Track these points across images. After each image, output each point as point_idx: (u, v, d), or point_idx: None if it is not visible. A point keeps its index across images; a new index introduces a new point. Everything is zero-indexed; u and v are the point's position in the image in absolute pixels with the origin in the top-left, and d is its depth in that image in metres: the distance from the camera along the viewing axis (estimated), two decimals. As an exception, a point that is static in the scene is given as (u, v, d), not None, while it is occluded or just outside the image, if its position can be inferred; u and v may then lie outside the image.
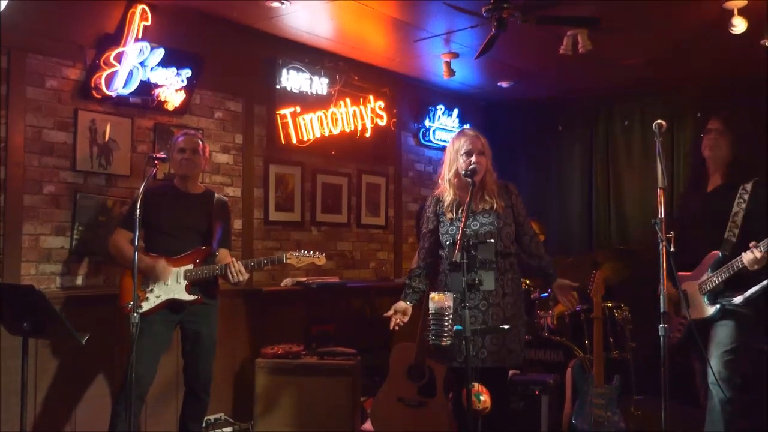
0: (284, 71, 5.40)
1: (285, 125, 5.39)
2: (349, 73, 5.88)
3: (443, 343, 2.93)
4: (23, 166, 4.06)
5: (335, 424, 4.52)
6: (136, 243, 3.25)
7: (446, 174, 3.57)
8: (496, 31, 4.48)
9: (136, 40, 4.33)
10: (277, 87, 5.37)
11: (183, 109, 4.75)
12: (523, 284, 5.18)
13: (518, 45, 5.33)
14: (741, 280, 3.44)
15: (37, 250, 4.13)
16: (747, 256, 3.35)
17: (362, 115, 5.95)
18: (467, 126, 6.39)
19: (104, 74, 4.26)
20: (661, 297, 2.85)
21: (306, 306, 5.46)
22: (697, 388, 3.82)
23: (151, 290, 3.78)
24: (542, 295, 5.40)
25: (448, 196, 3.56)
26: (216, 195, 4.13)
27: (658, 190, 2.95)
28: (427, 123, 6.78)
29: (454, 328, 2.94)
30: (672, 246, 2.86)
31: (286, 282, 5.36)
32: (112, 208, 4.40)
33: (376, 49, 5.75)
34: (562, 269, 5.52)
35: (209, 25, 4.90)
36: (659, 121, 3.02)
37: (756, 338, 3.99)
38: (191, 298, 3.83)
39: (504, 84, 6.69)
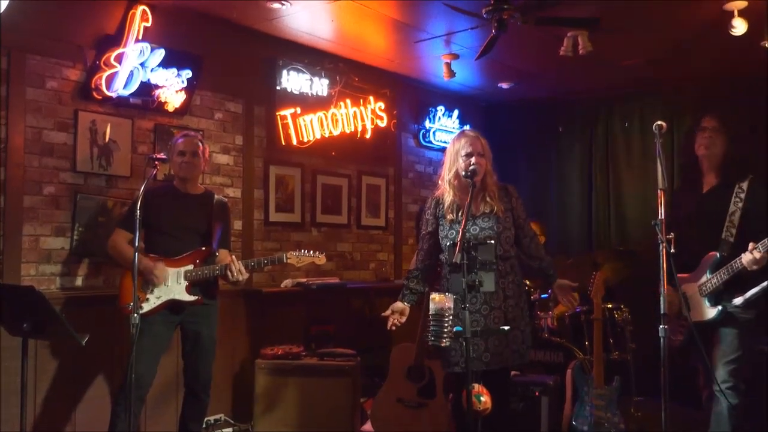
0: (284, 72, 5.40)
1: (285, 126, 5.39)
2: (350, 74, 5.88)
3: (443, 344, 2.93)
4: (23, 167, 4.06)
5: (335, 424, 4.52)
6: (137, 244, 3.25)
7: (446, 175, 3.56)
8: (497, 33, 4.48)
9: (137, 40, 4.34)
10: (278, 88, 5.38)
11: (183, 110, 4.75)
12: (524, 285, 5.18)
13: (518, 46, 5.34)
14: (741, 280, 3.41)
15: (37, 250, 4.13)
16: (746, 257, 3.31)
17: (362, 116, 5.95)
18: (467, 127, 6.40)
19: (104, 75, 4.26)
20: (661, 298, 2.85)
21: (306, 307, 5.46)
22: (700, 389, 3.81)
23: (151, 291, 3.78)
24: (542, 296, 5.40)
25: (448, 197, 3.54)
26: (216, 196, 4.14)
27: (659, 191, 2.95)
28: (427, 124, 6.79)
29: (454, 329, 2.94)
30: (672, 247, 2.86)
31: (286, 283, 5.36)
32: (112, 209, 4.40)
33: (377, 51, 5.75)
34: (562, 270, 5.51)
35: (209, 26, 4.91)
36: (659, 122, 3.02)
37: (756, 340, 3.96)
38: (191, 298, 3.83)
39: (504, 85, 6.70)
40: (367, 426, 4.56)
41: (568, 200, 7.11)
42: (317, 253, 4.03)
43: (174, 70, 4.57)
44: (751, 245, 3.30)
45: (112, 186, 4.45)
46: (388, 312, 3.54)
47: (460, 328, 2.93)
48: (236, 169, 5.20)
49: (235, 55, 5.15)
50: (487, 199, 3.50)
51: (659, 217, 2.91)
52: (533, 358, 5.09)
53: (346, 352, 4.77)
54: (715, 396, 3.49)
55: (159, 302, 3.78)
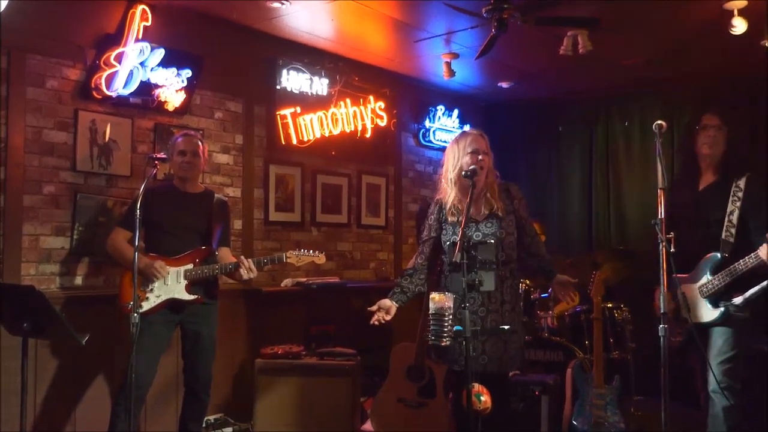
0: (284, 72, 5.40)
1: (285, 126, 5.39)
2: (350, 73, 5.88)
3: (442, 344, 2.93)
4: (23, 167, 4.06)
5: (335, 424, 4.51)
6: (136, 243, 3.25)
7: (449, 173, 3.49)
8: (497, 32, 4.48)
9: (137, 40, 4.34)
10: (278, 87, 5.38)
11: (183, 110, 4.75)
12: (523, 285, 5.18)
13: (518, 46, 5.34)
14: (743, 281, 3.38)
15: (37, 250, 4.13)
16: (765, 250, 3.23)
17: (362, 116, 5.95)
18: (467, 127, 6.40)
19: (104, 74, 4.26)
20: (661, 298, 2.84)
21: (306, 306, 5.46)
22: (698, 390, 3.78)
23: (151, 290, 3.78)
24: (542, 295, 5.40)
25: (450, 197, 3.49)
26: (215, 195, 4.14)
27: (658, 190, 2.94)
28: (427, 123, 6.79)
29: (454, 328, 2.93)
30: (672, 247, 2.85)
31: (286, 282, 5.37)
32: (112, 209, 4.40)
33: (377, 50, 5.75)
34: (562, 270, 5.53)
35: (209, 25, 4.91)
36: (659, 121, 2.99)
37: (755, 339, 3.93)
38: (191, 297, 3.83)
39: (504, 84, 6.70)
40: (367, 425, 4.56)
41: (568, 200, 7.12)
42: (317, 252, 4.04)
43: (174, 70, 4.57)
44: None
45: (112, 185, 4.45)
46: (374, 307, 3.46)
47: (460, 328, 2.93)
48: (236, 169, 5.20)
49: (235, 54, 5.15)
50: (491, 201, 3.45)
51: (659, 217, 2.89)
52: (533, 358, 5.09)
53: (346, 351, 4.77)
54: (711, 397, 3.46)
55: (159, 301, 3.78)
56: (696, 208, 3.62)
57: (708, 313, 3.50)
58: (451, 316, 2.92)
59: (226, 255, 4.05)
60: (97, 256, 4.32)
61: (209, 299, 3.96)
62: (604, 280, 4.60)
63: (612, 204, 6.82)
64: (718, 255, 3.48)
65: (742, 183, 3.51)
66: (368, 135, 6.01)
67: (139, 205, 3.25)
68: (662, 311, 2.84)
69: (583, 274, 4.73)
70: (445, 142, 6.88)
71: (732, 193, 3.51)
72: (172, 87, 4.60)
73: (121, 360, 4.12)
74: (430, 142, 6.83)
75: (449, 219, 3.48)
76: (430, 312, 2.94)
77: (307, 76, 5.57)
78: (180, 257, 3.85)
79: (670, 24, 4.90)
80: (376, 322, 3.45)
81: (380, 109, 6.10)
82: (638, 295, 3.84)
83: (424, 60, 5.94)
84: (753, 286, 3.36)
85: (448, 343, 2.95)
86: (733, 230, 3.47)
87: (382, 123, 6.12)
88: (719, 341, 3.45)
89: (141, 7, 4.35)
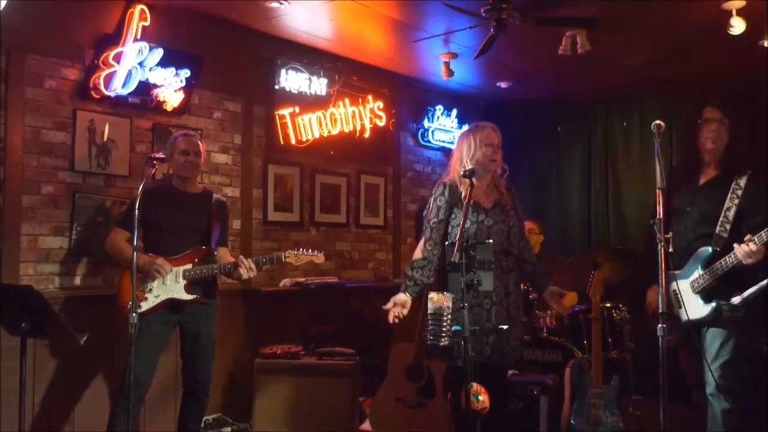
0: (283, 71, 5.40)
1: (284, 125, 5.39)
2: (348, 73, 5.88)
3: (441, 344, 2.93)
4: (22, 167, 4.06)
5: (334, 424, 4.51)
6: (135, 243, 3.25)
7: (466, 163, 3.45)
8: (495, 32, 4.48)
9: (135, 40, 4.34)
10: (276, 87, 5.38)
11: (182, 110, 4.75)
12: (522, 285, 5.17)
13: (517, 45, 5.34)
14: (735, 277, 3.29)
15: (36, 250, 4.13)
16: (741, 250, 3.17)
17: (361, 116, 5.95)
18: (466, 126, 6.39)
19: (103, 74, 4.26)
20: (660, 297, 2.84)
21: (305, 306, 5.46)
22: (689, 388, 3.71)
23: (150, 290, 3.78)
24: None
25: (466, 183, 3.36)
26: (214, 195, 4.13)
27: (657, 190, 2.93)
28: (425, 123, 6.79)
29: (453, 328, 2.94)
30: (671, 246, 2.84)
31: (285, 282, 5.36)
32: (110, 209, 4.40)
33: (375, 50, 5.75)
34: (562, 269, 5.54)
35: (208, 25, 4.90)
36: (657, 121, 2.99)
37: (753, 339, 3.87)
38: (190, 297, 3.83)
39: (503, 84, 6.70)
40: (366, 425, 4.56)
41: (568, 200, 7.13)
42: (316, 252, 4.03)
43: (172, 70, 4.57)
44: (747, 237, 3.17)
45: (111, 185, 4.45)
46: (389, 305, 3.43)
47: (458, 327, 2.93)
48: (235, 169, 5.20)
49: (234, 54, 5.14)
50: (497, 189, 3.54)
51: (658, 216, 2.89)
52: (532, 358, 5.09)
53: (345, 351, 4.77)
54: (710, 401, 3.39)
55: (158, 301, 3.78)
56: (694, 203, 3.53)
57: (700, 309, 3.39)
58: (449, 316, 2.93)
59: (224, 255, 4.05)
60: (95, 256, 4.32)
61: (208, 299, 3.96)
62: (603, 280, 4.59)
63: (611, 204, 6.83)
64: (710, 249, 3.39)
65: (742, 181, 3.42)
66: (367, 135, 6.01)
67: (137, 205, 3.25)
68: (661, 311, 2.83)
69: (583, 274, 4.74)
70: (443, 142, 6.90)
71: (732, 190, 3.42)
72: (170, 87, 4.60)
73: (120, 360, 4.12)
74: (429, 142, 6.83)
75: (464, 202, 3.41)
76: (428, 312, 2.95)
77: (306, 76, 5.56)
78: (179, 257, 3.85)
79: (669, 24, 4.90)
80: (395, 320, 3.41)
81: (379, 109, 6.10)
82: (637, 295, 3.81)
83: (423, 60, 5.94)
84: (753, 283, 3.25)
85: (446, 343, 2.96)
86: (728, 226, 3.38)
87: (381, 123, 6.12)
88: (716, 344, 3.36)
89: (139, 6, 4.35)
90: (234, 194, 5.16)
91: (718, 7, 4.47)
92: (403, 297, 3.45)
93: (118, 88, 4.30)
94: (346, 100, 5.82)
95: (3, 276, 3.95)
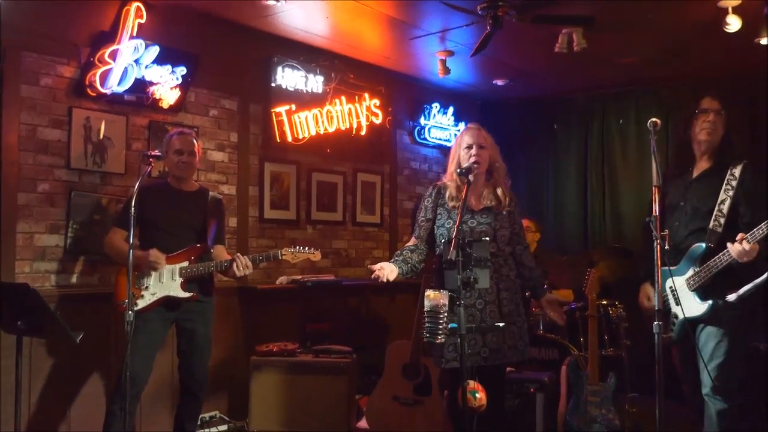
0: (279, 69, 5.39)
1: (280, 123, 5.39)
2: (345, 71, 5.88)
3: (438, 341, 2.94)
4: (17, 165, 4.05)
5: (330, 422, 4.52)
6: (131, 241, 3.24)
7: (450, 168, 3.59)
8: (492, 30, 4.49)
9: (131, 37, 4.33)
10: (273, 85, 5.37)
11: (178, 107, 4.75)
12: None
13: (513, 43, 5.34)
14: (731, 274, 3.23)
15: (32, 248, 4.12)
16: (735, 249, 3.10)
17: (357, 113, 5.94)
18: (462, 124, 6.41)
19: (99, 72, 4.25)
20: (655, 294, 2.84)
21: (301, 304, 5.46)
22: (679, 381, 3.65)
23: (147, 288, 3.77)
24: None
25: (451, 188, 3.55)
26: (210, 193, 4.13)
27: (653, 187, 2.92)
28: (422, 121, 6.79)
29: (449, 326, 2.94)
30: (666, 244, 2.83)
31: (282, 280, 5.36)
32: (106, 207, 4.39)
33: (372, 47, 5.74)
34: (558, 267, 5.55)
35: (204, 23, 4.90)
36: (654, 119, 2.97)
37: (750, 337, 3.78)
38: (187, 295, 3.83)
39: (499, 82, 6.70)
40: (363, 423, 4.56)
41: (564, 198, 7.13)
42: (313, 249, 4.04)
43: (168, 67, 4.57)
44: (740, 236, 3.09)
45: (107, 183, 4.44)
46: (377, 266, 3.38)
47: (455, 325, 2.93)
48: (231, 166, 5.19)
49: (230, 52, 5.14)
50: (494, 192, 3.53)
51: (654, 214, 2.88)
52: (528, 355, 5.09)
53: (342, 349, 4.77)
54: (706, 401, 3.34)
55: (154, 299, 3.77)
56: (687, 196, 3.46)
57: (696, 306, 3.34)
58: (446, 314, 2.93)
59: (221, 253, 4.05)
60: (92, 254, 4.31)
61: (205, 297, 3.96)
62: (599, 278, 4.60)
63: (607, 202, 6.83)
64: (703, 245, 3.32)
65: (737, 171, 3.33)
66: (363, 133, 6.01)
67: (133, 203, 3.25)
68: (656, 308, 2.84)
69: (579, 272, 4.75)
70: (440, 139, 6.90)
71: (726, 182, 3.33)
72: (166, 84, 4.59)
73: (117, 358, 4.13)
74: (425, 139, 6.82)
75: (449, 204, 3.53)
76: (425, 309, 2.95)
77: (303, 73, 5.56)
78: (175, 255, 3.84)
79: (665, 22, 4.90)
80: (376, 277, 3.34)
81: (375, 106, 6.09)
82: (633, 292, 3.80)
83: (420, 57, 5.94)
84: (749, 280, 3.18)
85: (443, 340, 2.96)
86: (722, 220, 3.30)
87: (378, 120, 6.12)
88: (711, 344, 3.31)
89: (135, 4, 4.34)
90: (230, 192, 5.16)
91: (714, 5, 4.47)
92: (392, 266, 3.42)
93: (114, 85, 4.30)
94: (343, 98, 5.81)
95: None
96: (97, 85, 4.24)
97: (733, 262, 3.18)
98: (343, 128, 5.81)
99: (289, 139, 5.42)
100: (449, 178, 3.59)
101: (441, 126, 6.90)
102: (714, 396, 3.29)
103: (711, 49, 5.37)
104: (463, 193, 3.25)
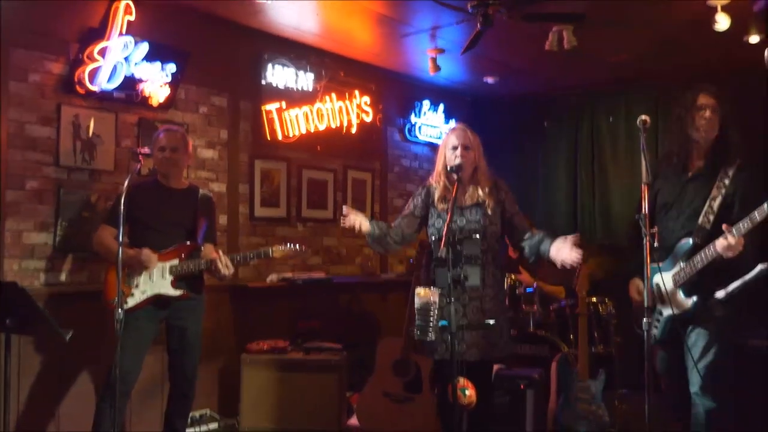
0: (270, 66, 5.38)
1: (270, 120, 5.38)
2: (335, 68, 5.87)
3: (428, 338, 2.94)
4: (5, 162, 4.02)
5: (321, 419, 4.52)
6: (121, 238, 3.23)
7: (437, 168, 3.65)
8: (482, 27, 4.49)
9: (120, 34, 4.31)
10: (263, 82, 5.36)
11: (168, 104, 4.73)
12: (509, 280, 5.19)
13: (504, 41, 5.35)
14: (718, 269, 3.18)
15: (20, 246, 4.10)
16: (720, 243, 3.06)
17: (348, 111, 5.94)
18: (453, 122, 6.41)
19: (88, 69, 4.22)
20: (645, 291, 2.85)
21: (292, 302, 5.45)
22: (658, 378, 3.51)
23: (137, 286, 3.76)
24: (527, 290, 5.41)
25: (439, 188, 3.61)
26: (201, 190, 4.11)
27: (642, 185, 2.92)
28: (412, 118, 6.79)
29: (440, 323, 2.94)
30: (656, 242, 2.83)
31: (272, 278, 5.35)
32: (95, 204, 4.37)
33: (362, 45, 5.74)
34: (548, 264, 5.55)
35: (194, 20, 4.88)
36: (643, 117, 2.96)
37: (734, 337, 3.72)
38: (177, 293, 3.82)
39: (490, 80, 6.71)
40: (354, 420, 4.56)
41: (554, 195, 7.15)
42: (303, 247, 4.04)
43: (158, 64, 4.55)
44: (724, 227, 3.04)
45: (96, 180, 4.42)
46: (351, 211, 3.62)
47: (445, 322, 2.94)
48: (221, 164, 5.18)
49: (220, 49, 5.12)
50: (478, 192, 3.55)
51: (643, 211, 2.89)
52: (518, 352, 5.10)
53: (333, 346, 4.77)
54: (693, 400, 3.29)
55: (144, 297, 3.76)
56: (681, 196, 3.41)
57: (682, 302, 3.29)
58: (436, 311, 2.93)
59: (210, 252, 4.03)
60: (81, 252, 4.29)
61: (195, 295, 3.94)
62: (589, 275, 4.61)
63: (597, 199, 6.86)
64: (690, 241, 3.28)
65: (731, 171, 3.28)
66: (354, 130, 6.01)
67: (123, 201, 3.23)
68: (646, 305, 2.85)
69: (569, 269, 4.74)
70: (431, 137, 6.90)
71: (719, 179, 3.29)
72: (156, 81, 4.57)
73: (106, 356, 4.09)
74: (416, 137, 6.83)
75: (438, 206, 3.58)
76: (415, 307, 2.95)
77: (293, 71, 5.55)
78: (165, 252, 3.83)
79: (655, 20, 4.92)
80: (345, 223, 3.63)
81: (366, 104, 6.09)
82: (623, 289, 3.80)
83: (410, 55, 5.94)
84: (738, 277, 3.14)
85: (433, 338, 2.96)
86: (711, 216, 3.25)
87: (368, 118, 6.12)
88: (700, 343, 3.26)
89: (125, 1, 4.32)
90: (220, 189, 5.14)
91: (704, 3, 4.48)
92: (366, 220, 3.64)
93: (103, 82, 4.28)
94: (333, 96, 5.81)
95: (-13, 272, 3.92)
96: (86, 82, 4.22)
97: (718, 258, 3.12)
98: (333, 126, 5.81)
99: (280, 136, 5.42)
100: (436, 180, 3.64)
101: (432, 124, 6.90)
102: (703, 395, 3.26)
103: (701, 47, 5.39)
104: (453, 192, 3.27)
